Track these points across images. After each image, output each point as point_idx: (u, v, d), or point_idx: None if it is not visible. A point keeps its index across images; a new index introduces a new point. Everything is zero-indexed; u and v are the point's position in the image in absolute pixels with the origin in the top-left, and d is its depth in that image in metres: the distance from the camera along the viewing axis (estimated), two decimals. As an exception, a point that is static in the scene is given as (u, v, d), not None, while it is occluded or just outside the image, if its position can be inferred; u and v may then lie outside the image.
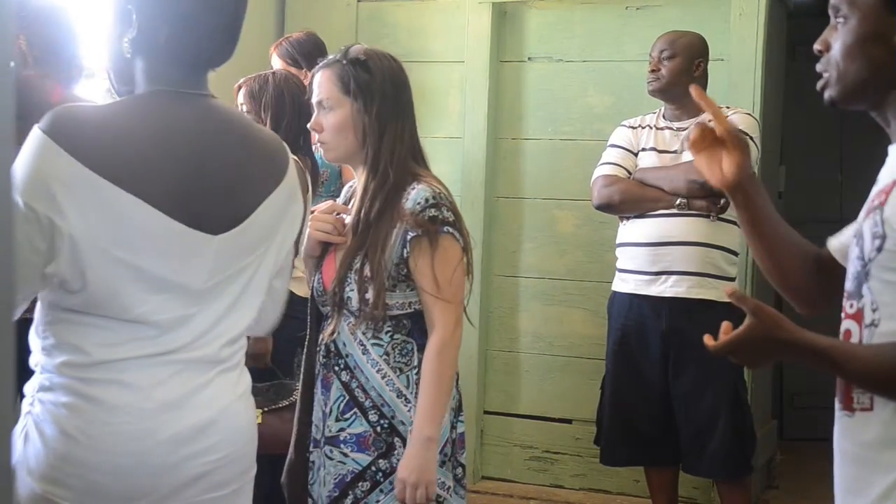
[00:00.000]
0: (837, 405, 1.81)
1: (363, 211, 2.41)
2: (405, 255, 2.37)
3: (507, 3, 4.67)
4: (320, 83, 2.47)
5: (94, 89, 3.51)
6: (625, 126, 3.89)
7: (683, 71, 3.75)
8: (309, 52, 4.17)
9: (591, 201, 4.59)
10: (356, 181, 2.54)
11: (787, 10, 4.96)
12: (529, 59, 4.69)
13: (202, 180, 1.81)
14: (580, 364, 4.60)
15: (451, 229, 2.39)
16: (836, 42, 1.79)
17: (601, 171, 3.81)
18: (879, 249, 1.69)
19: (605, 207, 3.82)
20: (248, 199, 1.87)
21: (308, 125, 2.53)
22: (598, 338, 4.55)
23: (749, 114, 3.79)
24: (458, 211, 2.46)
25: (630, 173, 3.77)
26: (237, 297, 1.89)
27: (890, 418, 1.69)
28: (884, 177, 1.76)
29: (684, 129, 3.71)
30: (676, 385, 3.69)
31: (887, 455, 1.69)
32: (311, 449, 2.49)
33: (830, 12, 1.82)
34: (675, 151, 3.72)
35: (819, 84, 1.84)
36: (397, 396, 2.39)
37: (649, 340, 3.72)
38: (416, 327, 2.42)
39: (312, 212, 2.56)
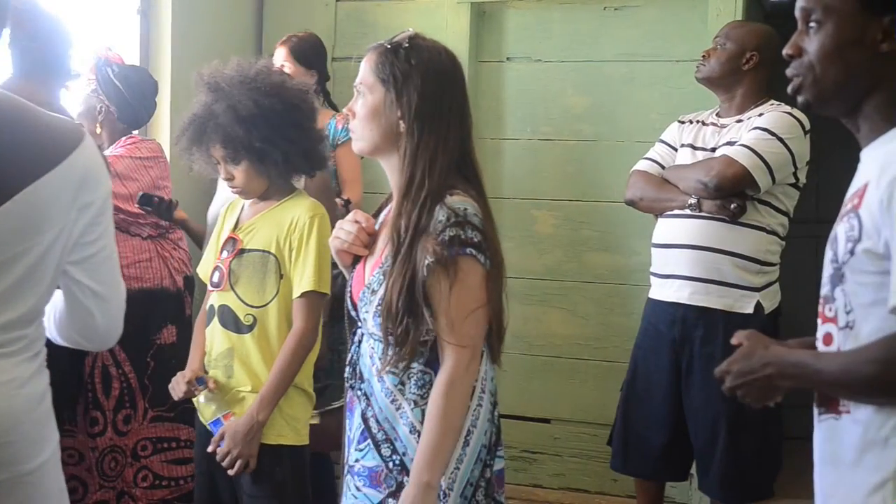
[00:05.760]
0: (820, 409, 1.82)
1: (396, 229, 2.15)
2: (423, 280, 2.12)
3: (486, 3, 4.67)
4: (362, 66, 2.25)
5: (76, 88, 3.51)
6: (678, 121, 3.72)
7: (731, 61, 3.54)
8: (319, 52, 4.19)
9: (569, 201, 4.61)
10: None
11: (764, 11, 4.98)
12: (508, 59, 4.70)
13: None
14: (559, 364, 4.60)
15: (473, 251, 2.12)
16: (810, 46, 1.78)
17: (636, 167, 3.68)
18: (852, 252, 1.70)
19: (630, 204, 3.68)
20: (10, 182, 1.85)
21: (343, 109, 2.30)
22: (577, 337, 4.57)
23: (789, 112, 3.45)
24: (490, 230, 2.18)
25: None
26: (15, 282, 1.87)
27: (868, 420, 1.71)
28: (857, 181, 1.77)
29: (726, 126, 3.55)
30: (687, 398, 3.52)
31: (868, 456, 1.71)
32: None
33: (799, 16, 1.81)
34: (711, 149, 3.51)
35: (791, 88, 1.83)
36: (410, 432, 2.16)
37: (660, 348, 3.57)
38: (435, 357, 2.17)
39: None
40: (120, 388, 3.55)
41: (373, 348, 2.22)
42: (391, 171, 2.25)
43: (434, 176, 2.14)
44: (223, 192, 3.65)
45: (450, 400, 2.12)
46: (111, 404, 3.54)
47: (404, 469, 2.17)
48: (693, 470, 3.75)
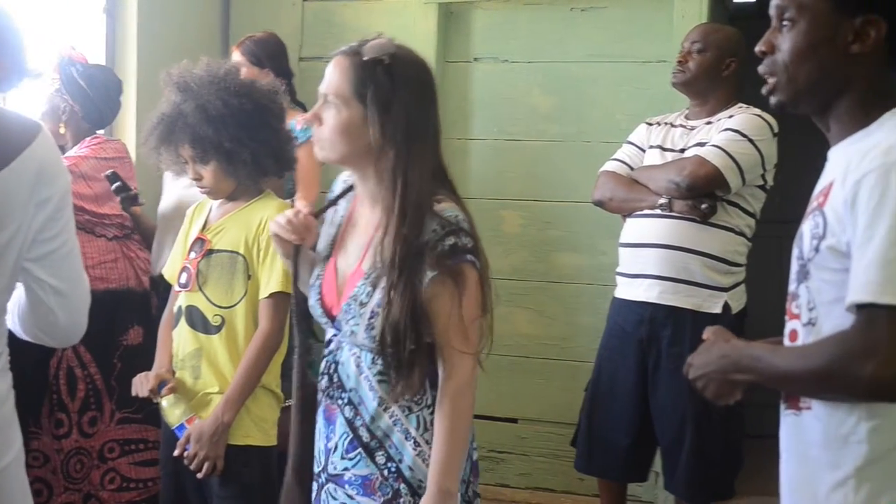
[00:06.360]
0: (784, 405, 1.85)
1: (390, 247, 2.09)
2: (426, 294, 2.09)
3: (453, 4, 4.68)
4: (331, 73, 2.15)
5: (37, 89, 3.48)
6: (645, 122, 3.72)
7: (711, 67, 3.54)
8: (273, 52, 4.16)
9: (536, 201, 4.62)
10: (351, 176, 2.29)
11: (728, 13, 5.02)
12: (475, 59, 4.71)
13: None
14: (526, 364, 4.61)
15: (471, 257, 2.11)
16: (783, 45, 1.80)
17: (604, 167, 3.67)
18: (817, 249, 1.72)
19: (599, 204, 3.67)
20: None
21: (306, 115, 2.23)
22: (543, 337, 4.59)
23: (758, 115, 3.46)
24: (476, 233, 2.16)
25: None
26: None
27: (828, 417, 1.73)
28: (823, 179, 1.79)
29: (696, 128, 3.55)
30: (653, 398, 3.52)
31: (829, 453, 1.73)
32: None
33: (773, 14, 1.83)
34: (680, 150, 3.51)
35: (765, 89, 1.85)
36: (405, 438, 2.16)
37: (627, 348, 3.56)
38: (429, 362, 2.15)
39: None
40: (85, 389, 3.52)
41: (359, 357, 2.19)
42: (364, 179, 2.22)
43: (423, 189, 2.11)
44: (173, 191, 3.65)
45: (461, 407, 2.13)
46: (76, 406, 3.52)
47: (400, 476, 2.17)
48: (658, 469, 3.77)
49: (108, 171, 3.56)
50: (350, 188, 2.31)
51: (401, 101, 2.11)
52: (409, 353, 2.09)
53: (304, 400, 2.31)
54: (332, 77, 2.15)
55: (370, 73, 2.10)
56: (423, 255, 2.08)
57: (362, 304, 2.14)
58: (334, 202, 2.33)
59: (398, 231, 2.09)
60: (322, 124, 2.17)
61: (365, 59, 2.11)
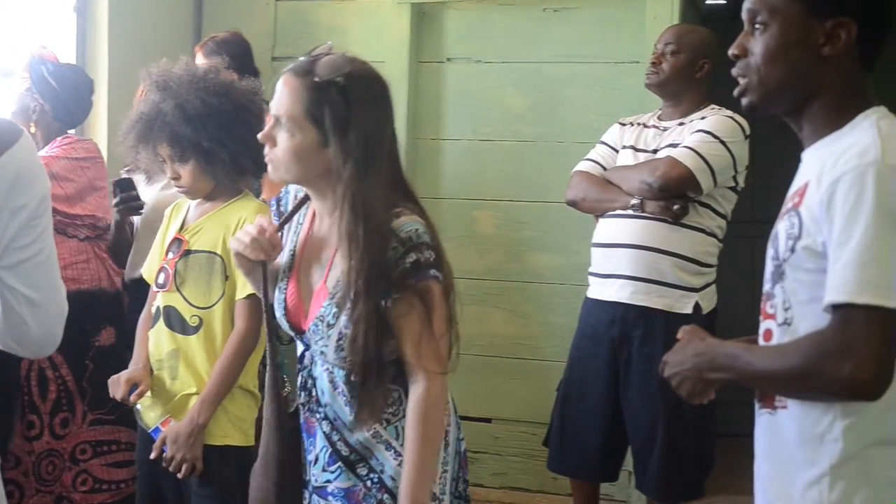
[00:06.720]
0: (759, 404, 1.86)
1: (352, 274, 2.05)
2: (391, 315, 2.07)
3: (426, 4, 4.67)
4: (282, 93, 2.08)
5: (7, 88, 3.46)
6: (618, 123, 3.72)
7: (685, 69, 3.55)
8: (237, 52, 4.14)
9: (510, 201, 4.62)
10: (302, 190, 2.25)
11: (700, 14, 5.04)
12: (448, 59, 4.71)
13: None
14: (500, 363, 4.62)
15: (434, 271, 2.07)
16: (755, 48, 1.82)
17: (577, 167, 3.67)
18: (793, 250, 1.73)
19: (571, 204, 3.67)
20: None
21: (259, 135, 2.16)
22: (517, 337, 4.59)
23: (730, 117, 3.47)
24: (438, 242, 2.11)
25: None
26: None
27: (803, 415, 1.75)
28: (798, 180, 1.81)
29: (668, 129, 3.56)
30: (625, 398, 3.53)
31: (805, 451, 1.74)
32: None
33: (745, 17, 1.85)
34: (653, 151, 3.52)
35: (737, 91, 1.87)
36: (386, 449, 2.15)
37: (598, 348, 3.56)
38: (402, 372, 2.13)
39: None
40: (57, 391, 3.50)
41: (332, 373, 2.18)
42: (321, 198, 2.18)
43: (383, 208, 2.06)
44: (147, 195, 3.62)
45: (432, 422, 2.11)
46: (48, 407, 3.49)
47: (383, 486, 2.16)
48: (631, 468, 3.79)
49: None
50: (307, 198, 2.27)
51: (357, 123, 2.05)
52: (376, 380, 2.08)
53: (278, 412, 2.28)
54: (284, 99, 2.09)
55: (324, 96, 2.05)
56: (387, 274, 2.04)
57: (329, 326, 2.12)
58: (292, 215, 2.28)
59: (362, 257, 2.04)
60: (275, 145, 2.11)
61: (317, 80, 2.05)
